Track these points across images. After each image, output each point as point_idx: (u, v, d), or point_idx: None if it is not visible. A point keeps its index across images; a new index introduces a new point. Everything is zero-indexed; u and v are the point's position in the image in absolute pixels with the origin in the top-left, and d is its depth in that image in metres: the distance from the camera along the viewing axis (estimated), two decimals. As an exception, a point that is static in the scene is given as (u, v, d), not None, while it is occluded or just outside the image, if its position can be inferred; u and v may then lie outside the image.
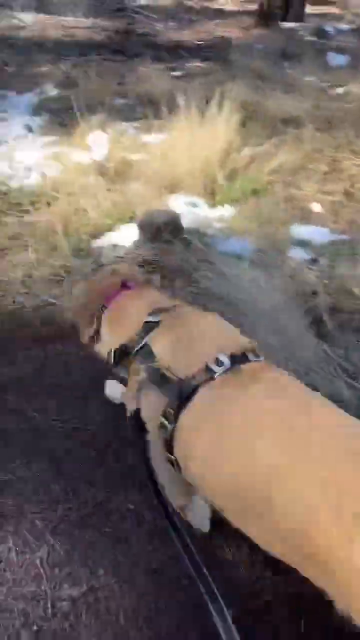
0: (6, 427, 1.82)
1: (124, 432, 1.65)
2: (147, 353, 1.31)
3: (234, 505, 1.11)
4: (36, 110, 4.24)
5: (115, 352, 1.40)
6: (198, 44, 5.82)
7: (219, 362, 1.18)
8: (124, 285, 1.58)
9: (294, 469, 0.98)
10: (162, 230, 2.53)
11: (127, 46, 5.66)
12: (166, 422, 1.18)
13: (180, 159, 3.08)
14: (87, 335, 1.58)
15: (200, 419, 1.16)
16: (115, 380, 1.72)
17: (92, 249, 2.71)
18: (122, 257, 2.56)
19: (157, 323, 1.36)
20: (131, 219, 2.82)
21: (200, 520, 1.44)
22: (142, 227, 2.60)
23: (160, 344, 1.30)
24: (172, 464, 1.22)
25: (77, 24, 6.13)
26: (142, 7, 7.03)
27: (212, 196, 2.95)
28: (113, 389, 1.84)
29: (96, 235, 2.79)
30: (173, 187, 3.01)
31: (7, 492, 1.62)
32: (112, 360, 1.41)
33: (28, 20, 6.37)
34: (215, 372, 1.17)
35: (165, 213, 2.67)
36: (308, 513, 0.93)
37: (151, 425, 1.25)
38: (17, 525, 1.52)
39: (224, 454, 1.10)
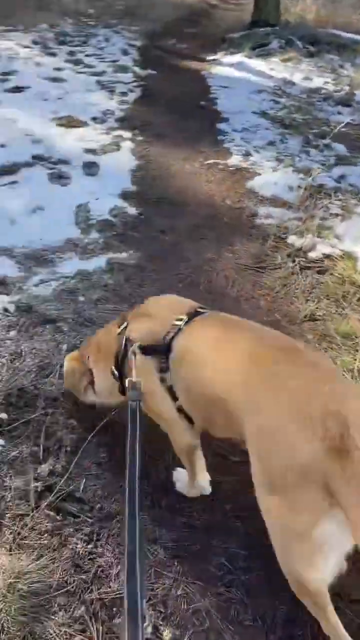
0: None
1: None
2: (131, 344, 1.75)
3: (204, 410, 1.64)
4: None
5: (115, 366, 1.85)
6: None
7: (181, 320, 1.69)
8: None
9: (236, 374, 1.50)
10: None
11: None
12: (164, 374, 1.69)
13: None
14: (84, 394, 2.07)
15: (180, 359, 1.66)
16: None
17: None
18: None
19: (127, 324, 1.84)
20: None
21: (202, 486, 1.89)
22: None
23: (135, 332, 1.78)
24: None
25: None
26: None
27: None
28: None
29: None
30: None
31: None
32: (116, 371, 1.85)
33: None
34: (180, 326, 1.69)
35: None
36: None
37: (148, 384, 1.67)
38: None
39: (194, 374, 1.62)
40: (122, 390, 1.84)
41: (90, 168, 4.38)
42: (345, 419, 1.21)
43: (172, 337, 1.67)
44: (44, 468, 1.91)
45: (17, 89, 6.01)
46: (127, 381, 1.63)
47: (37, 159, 4.42)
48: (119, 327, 1.86)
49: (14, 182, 4.00)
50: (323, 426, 1.22)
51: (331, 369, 1.51)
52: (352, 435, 1.19)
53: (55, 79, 6.48)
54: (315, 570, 1.30)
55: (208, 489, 1.89)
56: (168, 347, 1.67)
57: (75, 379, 2.04)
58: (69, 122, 5.26)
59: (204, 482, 1.89)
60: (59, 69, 6.91)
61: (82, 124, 5.27)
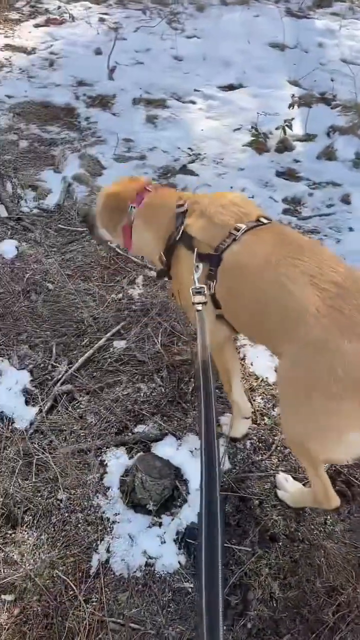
0: None
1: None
2: (187, 239, 1.79)
3: (248, 317, 1.72)
4: None
5: (164, 251, 1.87)
6: None
7: (239, 229, 1.70)
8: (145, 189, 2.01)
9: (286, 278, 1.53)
10: None
11: None
12: (210, 282, 1.72)
13: None
14: (109, 232, 2.08)
15: (228, 273, 1.70)
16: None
17: None
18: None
19: (186, 212, 1.84)
20: None
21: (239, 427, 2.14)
22: None
23: (195, 228, 1.79)
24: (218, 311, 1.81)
25: None
26: None
27: None
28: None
29: None
30: None
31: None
32: (164, 257, 1.88)
33: None
34: (236, 236, 1.69)
35: None
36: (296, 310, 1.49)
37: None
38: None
39: (242, 287, 1.69)
40: (163, 270, 1.94)
41: None
42: None
43: (225, 248, 1.69)
44: None
45: None
46: (191, 289, 1.69)
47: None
48: (178, 206, 1.86)
49: None
50: None
51: None
52: None
53: None
54: (332, 456, 1.55)
55: (248, 411, 2.14)
56: (219, 258, 1.70)
57: (113, 218, 2.01)
58: None
59: (244, 408, 2.12)
60: None
61: None
